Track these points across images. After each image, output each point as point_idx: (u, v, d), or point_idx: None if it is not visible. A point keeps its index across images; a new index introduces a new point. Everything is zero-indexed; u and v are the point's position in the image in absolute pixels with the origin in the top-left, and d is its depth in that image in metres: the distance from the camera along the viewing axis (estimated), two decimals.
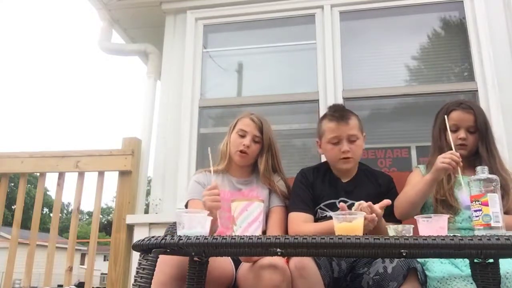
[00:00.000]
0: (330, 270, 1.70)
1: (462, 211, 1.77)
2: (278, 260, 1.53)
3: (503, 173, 1.79)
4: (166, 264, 1.50)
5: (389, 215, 1.81)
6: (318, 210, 1.90)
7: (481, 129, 1.85)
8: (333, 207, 1.85)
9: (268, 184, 1.96)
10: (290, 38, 3.27)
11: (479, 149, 1.84)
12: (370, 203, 1.56)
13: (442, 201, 1.78)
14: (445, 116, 1.79)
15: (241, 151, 1.94)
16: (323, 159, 2.66)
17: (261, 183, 1.98)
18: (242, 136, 1.95)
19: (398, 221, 1.80)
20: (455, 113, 1.88)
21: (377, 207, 1.56)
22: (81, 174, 2.86)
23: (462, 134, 1.84)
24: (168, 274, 1.51)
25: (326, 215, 1.86)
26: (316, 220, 1.89)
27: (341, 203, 1.61)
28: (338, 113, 1.94)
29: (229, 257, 1.76)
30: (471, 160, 1.83)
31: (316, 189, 1.93)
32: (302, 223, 1.85)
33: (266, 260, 1.52)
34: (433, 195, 1.80)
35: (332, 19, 3.05)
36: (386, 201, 1.58)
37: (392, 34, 3.12)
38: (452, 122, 1.84)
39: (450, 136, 1.73)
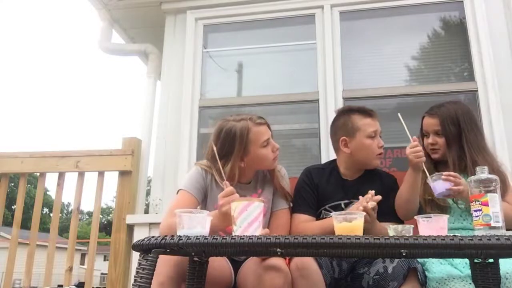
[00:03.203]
0: (331, 270, 1.70)
1: (453, 211, 1.78)
2: (279, 262, 1.53)
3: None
4: (164, 264, 1.49)
5: (389, 215, 1.81)
6: (323, 211, 1.90)
7: (447, 132, 1.85)
8: (338, 209, 1.83)
9: (277, 183, 1.89)
10: (290, 38, 3.27)
11: (446, 152, 1.85)
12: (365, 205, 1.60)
13: (430, 201, 1.79)
14: (399, 114, 1.81)
15: (276, 156, 1.86)
16: (324, 159, 2.67)
17: (267, 185, 1.92)
18: (267, 145, 1.82)
19: (398, 221, 1.80)
20: (424, 119, 1.94)
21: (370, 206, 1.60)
22: (81, 174, 2.86)
23: (430, 139, 1.88)
24: (166, 274, 1.50)
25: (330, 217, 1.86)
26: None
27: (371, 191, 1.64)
28: (366, 109, 1.95)
29: (227, 260, 1.76)
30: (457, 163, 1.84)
31: (321, 189, 1.92)
32: (303, 224, 1.85)
33: (267, 261, 1.52)
34: (421, 196, 1.81)
35: (332, 19, 3.05)
36: (378, 197, 1.62)
37: (392, 34, 3.12)
38: (423, 128, 1.93)
39: (424, 142, 1.83)
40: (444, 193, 1.65)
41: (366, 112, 1.93)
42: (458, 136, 1.84)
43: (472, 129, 1.87)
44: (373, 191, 1.63)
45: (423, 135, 1.94)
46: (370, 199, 1.61)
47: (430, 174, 1.68)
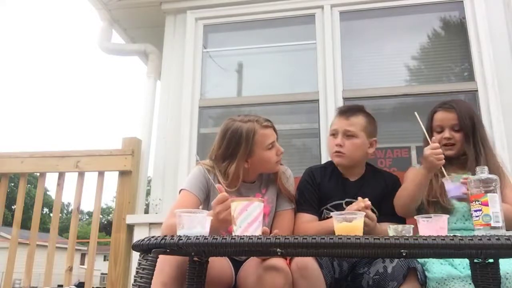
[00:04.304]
0: (332, 270, 1.70)
1: (456, 211, 1.78)
2: (280, 262, 1.53)
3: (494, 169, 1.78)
4: (168, 265, 1.49)
5: (392, 215, 1.81)
6: (324, 210, 1.90)
7: (465, 127, 1.84)
8: (339, 208, 1.83)
9: (282, 182, 1.90)
10: (290, 38, 3.27)
11: (465, 148, 1.84)
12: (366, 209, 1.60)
13: (434, 202, 1.78)
14: (415, 113, 1.78)
15: (279, 159, 1.87)
16: (324, 159, 2.68)
17: (271, 185, 1.92)
18: (272, 147, 1.83)
19: (400, 221, 1.80)
20: (438, 113, 1.90)
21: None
22: (81, 174, 2.86)
23: (446, 133, 1.85)
24: (170, 275, 1.50)
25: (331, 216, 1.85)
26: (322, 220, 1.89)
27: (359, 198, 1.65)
28: (345, 108, 1.98)
29: (228, 260, 1.76)
30: (462, 160, 1.84)
31: (323, 189, 1.92)
32: (305, 223, 1.85)
33: (268, 262, 1.52)
34: (425, 197, 1.80)
35: (332, 19, 3.05)
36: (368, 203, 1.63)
37: (392, 34, 3.12)
38: (437, 123, 1.89)
39: (436, 137, 1.80)
40: (460, 197, 1.63)
41: (338, 111, 2.00)
42: (473, 131, 1.84)
43: (483, 127, 1.90)
44: (367, 200, 1.63)
45: (432, 131, 1.90)
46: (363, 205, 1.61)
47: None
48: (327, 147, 2.02)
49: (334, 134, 1.93)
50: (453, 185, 1.63)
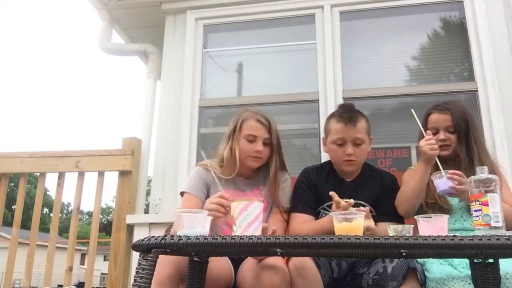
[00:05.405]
0: (329, 270, 1.71)
1: (454, 211, 1.78)
2: (278, 261, 1.53)
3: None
4: (163, 264, 1.49)
5: (390, 215, 1.81)
6: (321, 210, 1.90)
7: (459, 128, 1.85)
8: None
9: (275, 188, 1.90)
10: (290, 38, 3.27)
11: (457, 149, 1.85)
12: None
13: (432, 204, 1.79)
14: (412, 110, 1.80)
15: (254, 156, 1.86)
16: (324, 159, 2.67)
17: (269, 183, 1.93)
18: (252, 141, 1.85)
19: (399, 221, 1.80)
20: (433, 115, 1.92)
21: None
22: (81, 174, 2.86)
23: (441, 135, 1.87)
24: (165, 273, 1.50)
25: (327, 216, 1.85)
26: None
27: (331, 192, 1.64)
28: (347, 114, 1.88)
29: (228, 259, 1.76)
30: (459, 160, 1.84)
31: (319, 189, 1.92)
32: (301, 224, 1.85)
33: (266, 261, 1.52)
34: (423, 199, 1.80)
35: (332, 19, 3.05)
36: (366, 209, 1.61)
37: (392, 34, 3.12)
38: (431, 125, 1.90)
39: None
40: (447, 191, 1.64)
41: (341, 118, 1.88)
42: (467, 132, 1.86)
43: (477, 127, 1.91)
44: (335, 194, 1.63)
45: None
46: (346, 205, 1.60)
47: (432, 172, 1.69)
48: (331, 155, 1.94)
49: (341, 143, 1.86)
50: (440, 180, 1.64)
